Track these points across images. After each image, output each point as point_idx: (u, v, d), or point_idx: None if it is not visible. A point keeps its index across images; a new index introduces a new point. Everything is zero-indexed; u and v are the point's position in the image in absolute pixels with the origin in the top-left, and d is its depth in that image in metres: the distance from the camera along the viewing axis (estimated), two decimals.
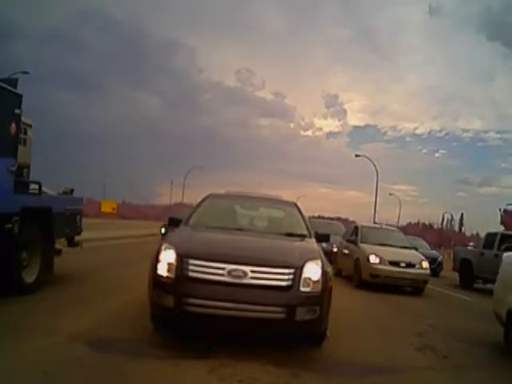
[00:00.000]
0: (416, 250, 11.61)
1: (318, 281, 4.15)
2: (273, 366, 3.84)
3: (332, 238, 7.55)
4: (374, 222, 26.40)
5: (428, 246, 19.51)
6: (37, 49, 76.96)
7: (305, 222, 5.70)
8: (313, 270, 4.17)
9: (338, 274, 11.78)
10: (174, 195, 49.22)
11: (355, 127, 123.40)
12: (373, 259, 10.30)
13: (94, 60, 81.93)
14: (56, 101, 70.00)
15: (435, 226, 66.24)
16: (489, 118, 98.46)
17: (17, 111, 5.68)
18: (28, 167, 6.84)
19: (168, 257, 4.15)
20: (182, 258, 4.08)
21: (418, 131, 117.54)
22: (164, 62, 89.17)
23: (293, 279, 4.06)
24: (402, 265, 10.31)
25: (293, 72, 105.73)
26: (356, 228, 12.35)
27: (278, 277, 4.06)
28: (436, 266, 16.65)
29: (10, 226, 5.30)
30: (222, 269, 4.00)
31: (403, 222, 55.27)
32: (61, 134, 57.49)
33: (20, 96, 5.79)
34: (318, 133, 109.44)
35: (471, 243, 18.71)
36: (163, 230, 14.61)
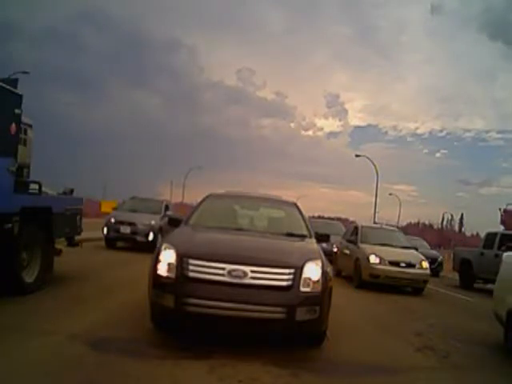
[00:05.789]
0: (416, 249, 11.60)
1: (318, 281, 4.14)
2: (273, 366, 3.84)
3: (332, 238, 7.55)
4: (374, 222, 26.38)
5: (428, 246, 19.50)
6: (38, 48, 76.90)
7: (305, 222, 5.69)
8: (313, 270, 4.17)
9: (338, 274, 11.78)
10: (174, 195, 49.12)
11: (356, 127, 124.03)
12: (373, 259, 10.30)
13: (94, 59, 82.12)
14: (56, 100, 70.03)
15: (435, 226, 66.36)
16: (490, 117, 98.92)
17: (17, 111, 5.68)
18: (28, 167, 6.84)
19: (168, 257, 4.14)
20: (182, 258, 4.08)
21: (419, 131, 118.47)
22: (165, 62, 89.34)
23: (293, 279, 4.05)
24: (402, 265, 10.31)
25: (294, 72, 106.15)
26: (356, 228, 12.33)
27: (278, 277, 4.05)
28: (436, 266, 16.66)
29: (10, 225, 5.29)
30: (222, 269, 4.00)
31: (403, 222, 55.38)
32: (61, 133, 57.52)
33: (20, 96, 5.80)
34: (318, 133, 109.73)
35: None
36: (105, 230, 13.19)
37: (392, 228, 15.01)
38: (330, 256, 8.63)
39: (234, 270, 3.99)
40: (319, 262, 4.29)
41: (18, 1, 73.53)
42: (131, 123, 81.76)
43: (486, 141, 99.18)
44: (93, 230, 12.47)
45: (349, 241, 12.05)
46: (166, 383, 3.37)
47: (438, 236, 55.41)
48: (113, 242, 13.44)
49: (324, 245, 6.68)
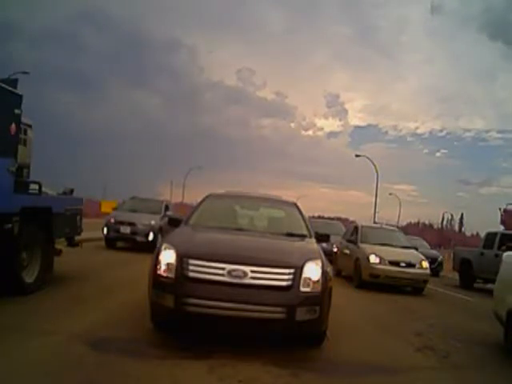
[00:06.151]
0: (416, 249, 11.60)
1: (317, 281, 4.14)
2: (273, 366, 3.84)
3: (332, 238, 7.55)
4: (374, 222, 26.37)
5: (428, 246, 19.50)
6: (38, 48, 76.90)
7: (305, 221, 5.69)
8: (313, 270, 4.17)
9: (338, 274, 11.78)
10: (174, 195, 49.10)
11: (356, 127, 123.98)
12: (373, 259, 10.30)
13: (94, 59, 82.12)
14: (56, 100, 70.04)
15: (435, 226, 66.36)
16: (490, 117, 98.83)
17: (17, 111, 5.67)
18: (28, 167, 6.84)
19: (168, 257, 4.14)
20: (181, 258, 4.08)
21: (419, 131, 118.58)
22: (165, 62, 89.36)
23: (293, 279, 4.05)
24: (402, 265, 10.31)
25: (294, 71, 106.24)
26: (356, 228, 12.33)
27: (278, 277, 4.05)
28: (436, 266, 16.66)
29: (10, 226, 5.29)
30: (222, 269, 4.00)
31: (403, 222, 55.38)
32: (61, 133, 57.52)
33: (20, 96, 5.79)
34: (318, 133, 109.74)
35: None
36: (105, 230, 13.18)
37: (392, 228, 15.00)
38: (330, 256, 8.63)
39: (234, 270, 3.99)
40: (319, 262, 4.29)
41: (18, 1, 73.59)
42: (131, 123, 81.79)
43: (486, 141, 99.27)
44: (93, 230, 12.47)
45: (349, 241, 12.05)
46: (165, 383, 3.37)
47: (438, 236, 55.38)
48: (113, 242, 13.43)
49: (324, 245, 6.68)
